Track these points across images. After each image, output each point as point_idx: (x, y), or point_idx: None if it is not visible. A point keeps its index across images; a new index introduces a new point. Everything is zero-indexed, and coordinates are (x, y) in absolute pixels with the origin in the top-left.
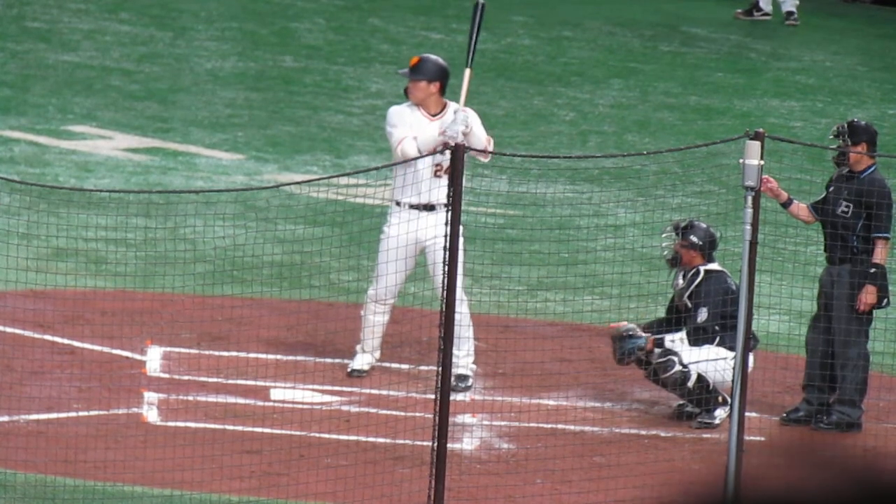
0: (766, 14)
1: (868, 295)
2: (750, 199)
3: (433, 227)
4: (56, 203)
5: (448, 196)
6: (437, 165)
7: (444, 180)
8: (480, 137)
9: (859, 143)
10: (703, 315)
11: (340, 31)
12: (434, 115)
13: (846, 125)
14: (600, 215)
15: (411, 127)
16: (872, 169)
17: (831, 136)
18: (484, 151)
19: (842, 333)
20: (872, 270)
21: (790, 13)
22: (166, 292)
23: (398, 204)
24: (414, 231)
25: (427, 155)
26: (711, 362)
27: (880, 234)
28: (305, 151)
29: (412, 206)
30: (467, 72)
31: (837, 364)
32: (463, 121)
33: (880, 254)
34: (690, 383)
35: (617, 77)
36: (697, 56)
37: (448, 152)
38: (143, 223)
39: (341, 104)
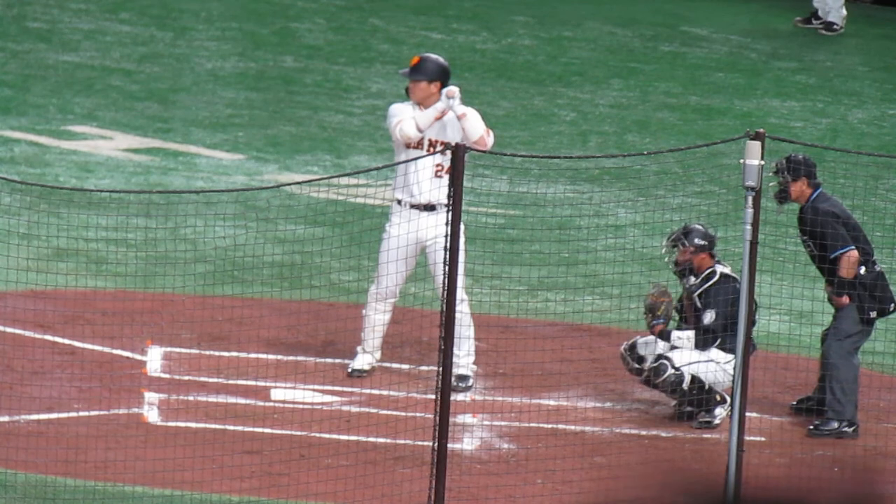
0: (833, 25)
1: (838, 300)
2: (750, 199)
3: (434, 227)
4: (56, 203)
5: (448, 196)
6: (437, 165)
7: (445, 180)
8: (476, 123)
9: (799, 178)
10: (709, 317)
11: (341, 31)
12: None
13: (784, 161)
14: (601, 215)
15: (402, 116)
16: (814, 197)
17: (771, 174)
18: (475, 149)
19: (831, 342)
20: (836, 280)
21: (832, 23)
22: (167, 292)
23: (399, 203)
24: (415, 231)
25: (427, 155)
26: (705, 363)
27: (835, 255)
28: (306, 151)
29: (413, 206)
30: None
31: (828, 364)
32: (458, 102)
33: (843, 271)
34: (685, 385)
35: (617, 77)
36: (698, 56)
37: (448, 152)
38: (144, 223)
39: (342, 104)
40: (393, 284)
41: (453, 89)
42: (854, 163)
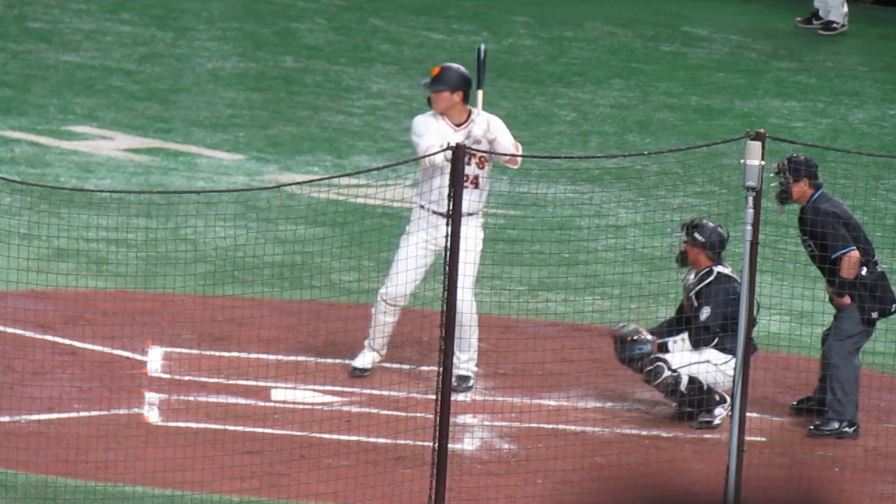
0: (833, 24)
1: (839, 300)
2: (751, 199)
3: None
4: (57, 203)
5: (449, 200)
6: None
7: (472, 191)
8: (506, 143)
9: (800, 178)
10: (705, 314)
11: (341, 32)
12: (459, 125)
13: (786, 162)
14: (601, 216)
15: (437, 136)
16: (815, 198)
17: (772, 174)
18: (508, 154)
19: (832, 342)
20: (837, 280)
21: (832, 23)
22: (167, 293)
23: (422, 208)
24: (434, 238)
25: (439, 150)
26: (702, 364)
27: (836, 255)
28: (306, 152)
29: (436, 213)
30: (480, 93)
31: (829, 364)
32: (482, 124)
33: (844, 271)
34: (683, 386)
35: (618, 77)
36: (698, 56)
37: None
38: (144, 223)
39: (342, 104)
40: (403, 287)
41: (478, 136)
42: (854, 163)
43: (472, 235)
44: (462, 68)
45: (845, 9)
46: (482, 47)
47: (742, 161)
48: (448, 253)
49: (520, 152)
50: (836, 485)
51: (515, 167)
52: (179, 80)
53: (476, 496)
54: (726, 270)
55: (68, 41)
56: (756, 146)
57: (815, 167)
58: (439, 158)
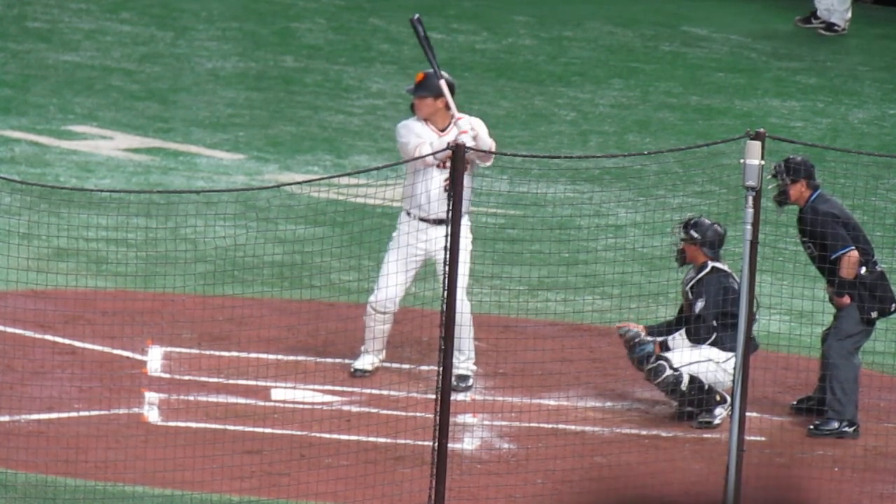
0: (835, 26)
1: (839, 300)
2: (751, 198)
3: (443, 239)
4: (57, 203)
5: (449, 206)
6: (447, 181)
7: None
8: (487, 143)
9: (798, 180)
10: (699, 305)
11: (341, 31)
12: (442, 130)
13: (783, 164)
14: (601, 215)
15: (426, 136)
16: (813, 199)
17: (769, 176)
18: (486, 152)
19: (832, 342)
20: (837, 280)
21: (833, 24)
22: (167, 292)
23: (408, 214)
24: (423, 242)
25: (437, 152)
26: (704, 363)
27: (835, 255)
28: (306, 151)
29: (422, 219)
30: (442, 83)
31: (828, 364)
32: (470, 133)
33: (844, 271)
34: (684, 386)
35: (618, 77)
36: (698, 56)
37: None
38: (144, 223)
39: (342, 104)
40: (393, 296)
41: (469, 140)
42: (854, 162)
43: (462, 235)
44: (445, 74)
45: (849, 14)
46: (415, 17)
47: (742, 161)
48: (448, 253)
49: (493, 149)
50: (815, 483)
51: (489, 164)
52: (179, 79)
53: (476, 496)
54: (722, 266)
55: (68, 41)
56: (756, 146)
57: (812, 168)
58: (430, 160)
